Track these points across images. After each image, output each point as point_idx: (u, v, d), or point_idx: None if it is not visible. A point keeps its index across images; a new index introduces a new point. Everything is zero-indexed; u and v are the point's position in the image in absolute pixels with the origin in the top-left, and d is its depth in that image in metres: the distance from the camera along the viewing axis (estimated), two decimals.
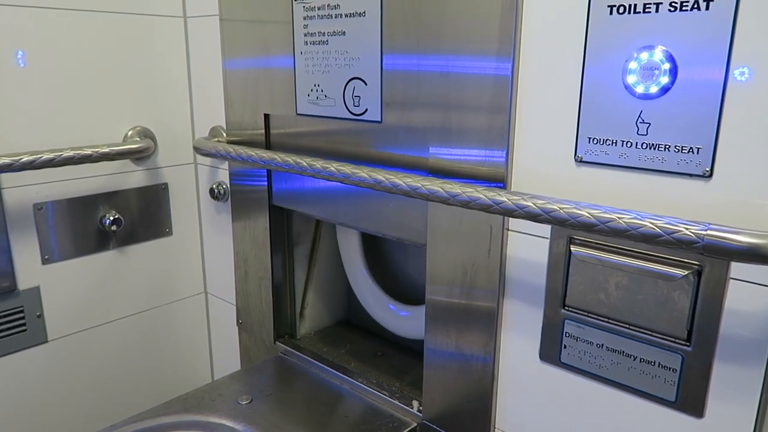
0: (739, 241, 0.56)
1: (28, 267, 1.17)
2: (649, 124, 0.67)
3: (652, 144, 0.68)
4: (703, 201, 0.65)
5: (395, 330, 1.25)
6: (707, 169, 0.64)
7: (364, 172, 0.88)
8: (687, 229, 0.58)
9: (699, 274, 0.67)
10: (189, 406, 1.07)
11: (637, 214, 0.62)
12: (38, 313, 1.20)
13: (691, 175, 0.66)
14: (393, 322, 1.25)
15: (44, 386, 1.23)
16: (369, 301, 1.28)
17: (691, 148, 0.65)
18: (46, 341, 1.22)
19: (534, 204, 0.69)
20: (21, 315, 1.17)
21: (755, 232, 0.56)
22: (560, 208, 0.67)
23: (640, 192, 0.70)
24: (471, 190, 0.75)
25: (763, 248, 0.55)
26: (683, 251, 0.60)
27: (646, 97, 0.67)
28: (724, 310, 0.66)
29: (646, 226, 0.61)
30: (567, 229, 0.74)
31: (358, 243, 1.27)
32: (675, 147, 0.66)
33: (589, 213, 0.65)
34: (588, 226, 0.65)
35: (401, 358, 1.25)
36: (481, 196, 0.74)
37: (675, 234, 0.59)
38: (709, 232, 0.57)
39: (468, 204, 0.76)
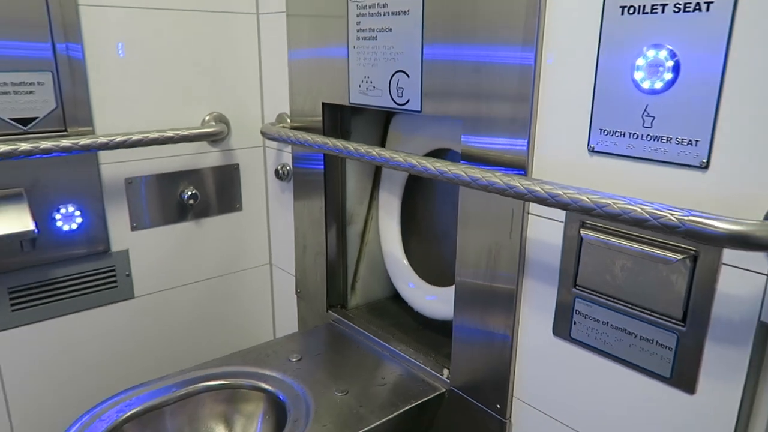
0: (717, 227, 0.61)
1: (120, 232, 1.36)
2: (654, 117, 0.72)
3: (656, 136, 0.72)
4: (700, 190, 0.70)
5: (422, 310, 1.33)
6: (704, 161, 0.69)
7: (400, 157, 0.98)
8: (672, 214, 0.64)
9: (695, 259, 0.71)
10: (247, 359, 1.22)
11: (629, 200, 0.68)
12: (127, 273, 1.39)
13: (690, 165, 0.70)
14: (420, 304, 1.33)
15: (129, 335, 1.43)
16: (400, 283, 1.37)
17: (690, 140, 0.69)
18: (133, 297, 1.42)
19: (542, 189, 0.76)
20: (113, 273, 1.37)
21: (733, 219, 0.60)
22: (564, 193, 0.73)
23: (646, 181, 0.75)
24: (490, 175, 0.83)
25: (739, 234, 0.60)
26: (670, 235, 0.65)
27: (651, 92, 0.72)
28: (716, 294, 0.70)
29: (635, 210, 0.66)
30: (577, 214, 0.81)
31: (396, 223, 1.36)
32: (676, 139, 0.71)
33: (588, 198, 0.71)
34: (586, 210, 0.71)
35: (440, 332, 1.34)
36: (498, 180, 0.81)
37: (660, 219, 0.64)
38: (690, 218, 0.62)
39: (487, 188, 0.83)
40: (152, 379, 1.14)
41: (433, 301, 1.30)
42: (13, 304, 1.24)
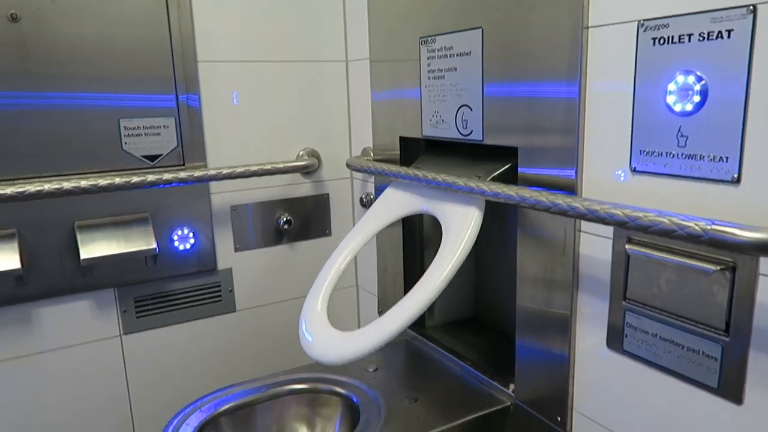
0: (738, 235, 0.64)
1: (225, 253, 1.56)
2: (687, 137, 0.77)
3: (690, 155, 0.77)
4: (733, 203, 0.73)
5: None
6: (735, 176, 0.72)
7: (461, 181, 1.07)
8: (696, 224, 0.68)
9: (734, 270, 0.74)
10: (329, 367, 1.34)
11: (658, 212, 0.73)
12: (230, 289, 1.58)
13: (722, 181, 0.74)
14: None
15: (230, 343, 1.62)
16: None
17: (722, 157, 0.74)
18: (235, 311, 1.60)
19: (581, 205, 0.82)
20: (218, 289, 1.56)
21: (755, 227, 0.64)
22: (601, 209, 0.80)
23: (683, 196, 0.79)
24: (537, 194, 0.90)
25: (761, 241, 0.63)
26: (697, 245, 0.70)
27: (683, 114, 0.77)
28: (756, 304, 0.72)
29: (663, 222, 0.71)
30: (621, 229, 0.86)
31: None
32: (708, 156, 0.75)
33: (621, 212, 0.77)
34: (621, 223, 0.77)
35: (512, 350, 1.38)
36: (543, 199, 0.89)
37: (686, 229, 0.69)
38: (712, 227, 0.67)
39: (535, 206, 0.91)
40: (245, 380, 1.30)
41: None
42: (137, 312, 1.46)
